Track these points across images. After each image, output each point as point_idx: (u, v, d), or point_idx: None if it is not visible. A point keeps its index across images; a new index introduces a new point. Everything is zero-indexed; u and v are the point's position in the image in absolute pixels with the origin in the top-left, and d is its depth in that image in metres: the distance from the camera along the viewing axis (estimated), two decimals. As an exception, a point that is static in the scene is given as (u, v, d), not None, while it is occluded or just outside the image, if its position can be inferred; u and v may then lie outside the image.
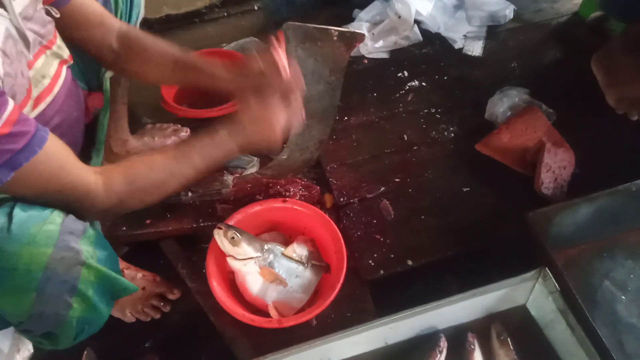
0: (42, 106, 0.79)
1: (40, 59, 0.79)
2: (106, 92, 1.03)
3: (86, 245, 0.76)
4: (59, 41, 0.84)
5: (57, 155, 0.72)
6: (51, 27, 0.81)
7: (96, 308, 0.77)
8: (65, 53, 0.85)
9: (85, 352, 1.06)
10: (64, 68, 0.85)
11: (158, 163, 0.83)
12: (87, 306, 0.76)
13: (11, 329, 1.07)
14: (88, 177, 0.76)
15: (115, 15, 1.01)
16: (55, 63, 0.82)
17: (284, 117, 0.86)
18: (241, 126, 0.86)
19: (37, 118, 0.76)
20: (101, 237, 0.84)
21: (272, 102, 0.85)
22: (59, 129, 0.82)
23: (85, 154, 0.97)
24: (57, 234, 0.72)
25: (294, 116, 0.88)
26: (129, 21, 1.05)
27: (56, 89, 0.82)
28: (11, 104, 0.64)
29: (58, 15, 0.81)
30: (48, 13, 0.80)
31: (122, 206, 0.81)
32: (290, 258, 1.02)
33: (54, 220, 0.74)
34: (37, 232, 0.71)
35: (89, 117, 0.99)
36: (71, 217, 0.77)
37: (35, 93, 0.78)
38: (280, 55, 0.87)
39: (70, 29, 0.87)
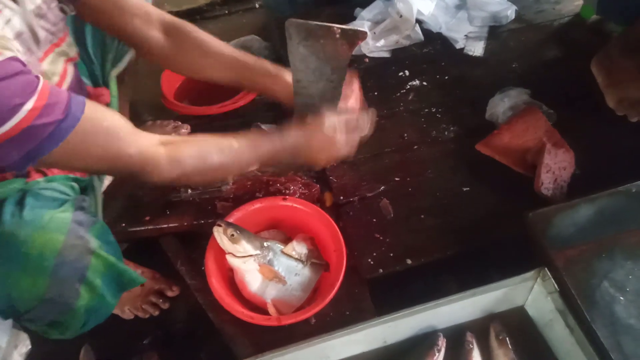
0: None
1: (49, 56, 0.78)
2: (113, 89, 1.02)
3: (94, 237, 0.77)
4: (68, 39, 0.84)
5: (103, 120, 0.70)
6: (63, 24, 0.81)
7: (103, 298, 0.78)
8: (73, 51, 0.85)
9: (83, 348, 1.06)
10: (70, 66, 0.85)
11: (229, 147, 0.83)
12: (95, 295, 0.76)
13: (8, 325, 1.07)
14: (146, 145, 0.74)
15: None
16: (61, 61, 0.82)
17: (343, 152, 0.92)
18: (309, 141, 0.90)
19: None
20: (108, 231, 0.84)
21: (340, 127, 0.89)
22: None
23: None
24: (69, 221, 0.73)
25: (349, 152, 0.93)
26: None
27: (64, 86, 0.82)
28: (41, 79, 0.63)
29: (73, 13, 0.81)
30: (62, 10, 0.80)
31: (184, 180, 0.81)
32: (290, 256, 1.02)
33: (66, 209, 0.75)
34: (50, 219, 0.72)
35: None
36: (81, 208, 0.77)
37: None
38: (358, 90, 0.94)
39: (105, 16, 0.86)
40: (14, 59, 0.61)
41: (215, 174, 0.84)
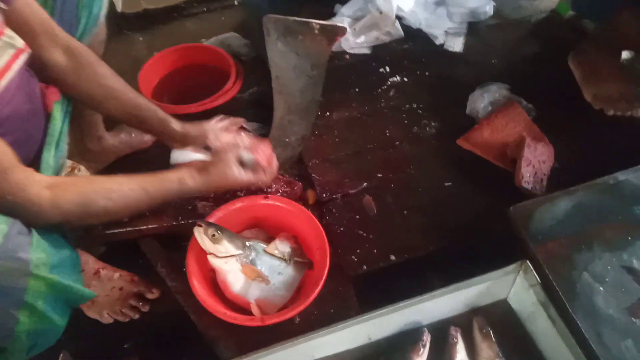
0: None
1: None
2: None
3: (37, 253, 0.73)
4: (8, 31, 0.79)
5: None
6: (1, 17, 0.76)
7: (49, 319, 0.74)
8: (19, 42, 0.80)
9: (61, 355, 1.02)
10: (21, 58, 0.80)
11: (117, 192, 0.83)
12: (38, 318, 0.73)
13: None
14: (30, 186, 0.73)
15: (77, 9, 0.96)
16: (7, 54, 0.77)
17: (243, 177, 0.97)
18: (204, 177, 0.94)
19: None
20: (55, 239, 0.81)
21: (233, 164, 0.96)
22: (7, 124, 0.78)
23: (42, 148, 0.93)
24: (0, 243, 0.68)
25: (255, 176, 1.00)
26: (89, 15, 0.99)
27: (4, 82, 0.77)
28: None
29: (6, 7, 0.77)
30: None
31: (67, 223, 0.81)
32: (273, 255, 1.01)
33: None
34: None
35: (48, 110, 0.94)
36: (19, 225, 0.73)
37: None
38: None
39: (15, 29, 0.81)
40: None
41: (100, 218, 0.85)
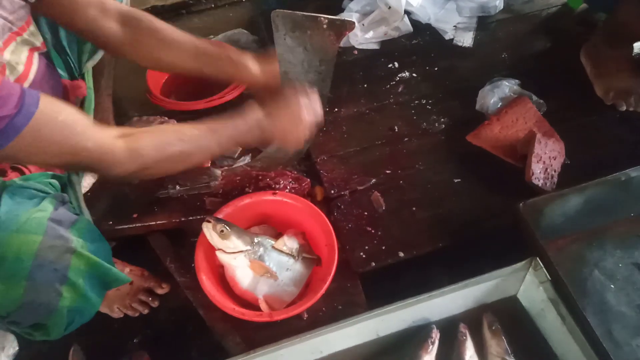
0: None
1: (11, 45, 0.75)
2: (89, 81, 1.00)
3: (76, 236, 0.75)
4: (32, 28, 0.81)
5: (59, 114, 0.68)
6: (23, 12, 0.78)
7: (87, 297, 0.76)
8: (38, 40, 0.82)
9: (72, 348, 1.04)
10: (35, 55, 0.82)
11: (188, 134, 0.81)
12: (78, 295, 0.75)
13: (-5, 327, 1.05)
14: (104, 138, 0.72)
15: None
16: (25, 50, 0.79)
17: (310, 123, 0.89)
18: (273, 118, 0.87)
19: None
20: (93, 228, 0.82)
21: (304, 106, 0.87)
22: None
23: None
24: (46, 221, 0.71)
25: (314, 125, 0.91)
26: None
27: (31, 76, 0.79)
28: (7, 69, 0.62)
29: (33, 1, 0.78)
30: None
31: (146, 172, 0.79)
32: (281, 251, 1.01)
33: (44, 208, 0.73)
34: (26, 219, 0.70)
35: None
36: (61, 206, 0.75)
37: (11, 79, 0.75)
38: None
39: (58, 9, 0.83)
40: None
41: (177, 163, 0.82)
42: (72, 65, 0.96)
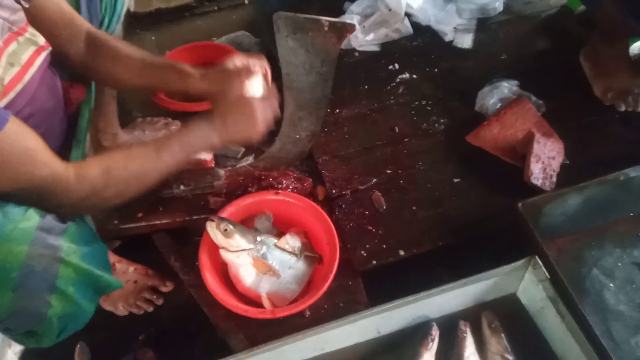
0: (11, 95, 0.77)
1: (12, 45, 0.76)
2: (90, 84, 1.01)
3: (67, 242, 0.75)
4: (31, 29, 0.81)
5: (22, 140, 0.69)
6: (22, 14, 0.79)
7: (78, 305, 0.76)
8: (41, 40, 0.83)
9: (78, 346, 1.05)
10: (42, 55, 0.82)
11: (136, 153, 0.83)
12: (68, 303, 0.75)
13: (1, 324, 1.06)
14: (56, 165, 0.74)
15: (100, 4, 0.98)
16: (30, 49, 0.79)
17: (263, 111, 0.89)
18: (222, 118, 0.87)
19: (8, 107, 0.75)
20: (87, 232, 0.82)
21: (251, 97, 0.87)
22: (32, 119, 0.80)
23: (67, 146, 0.95)
24: (32, 231, 0.71)
25: (271, 112, 0.91)
26: (114, 12, 1.02)
27: (27, 77, 0.79)
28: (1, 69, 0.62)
29: (27, 5, 0.79)
30: (17, 1, 0.78)
31: (98, 197, 0.79)
32: (283, 249, 1.02)
33: (30, 218, 0.72)
34: (12, 229, 0.69)
35: (71, 108, 0.97)
36: (50, 215, 0.75)
37: (5, 80, 0.75)
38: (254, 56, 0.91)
39: (38, 25, 0.84)
40: None
41: (130, 185, 0.82)
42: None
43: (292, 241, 1.04)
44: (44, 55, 0.83)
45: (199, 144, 0.87)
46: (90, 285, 0.79)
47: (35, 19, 0.82)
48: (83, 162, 0.79)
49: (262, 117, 0.89)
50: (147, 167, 0.83)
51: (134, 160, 0.82)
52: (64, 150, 0.92)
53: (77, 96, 0.97)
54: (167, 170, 0.85)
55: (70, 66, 0.94)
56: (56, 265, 0.72)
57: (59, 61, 0.93)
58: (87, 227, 0.85)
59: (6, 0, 0.75)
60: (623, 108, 1.27)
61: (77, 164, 0.77)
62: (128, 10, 1.72)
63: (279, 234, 1.08)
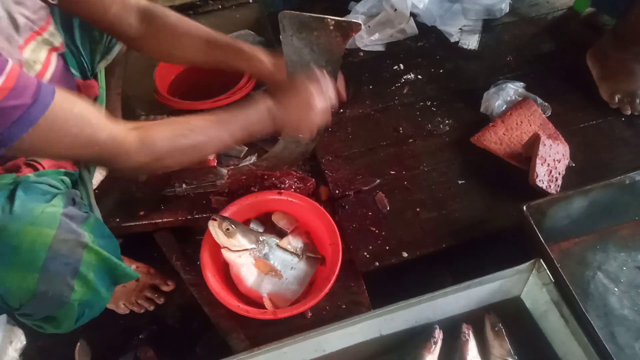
0: None
1: (31, 44, 0.77)
2: (101, 81, 1.02)
3: (87, 231, 0.76)
4: (51, 28, 0.83)
5: (73, 106, 0.69)
6: (44, 13, 0.80)
7: (97, 291, 0.78)
8: (57, 40, 0.84)
9: (79, 343, 1.05)
10: (54, 55, 0.84)
11: (199, 125, 0.82)
12: (89, 289, 0.76)
13: (3, 320, 1.06)
14: (116, 130, 0.73)
15: None
16: (44, 50, 0.81)
17: (323, 109, 0.88)
18: (284, 107, 0.87)
19: None
20: (102, 225, 0.84)
21: (315, 92, 0.86)
22: None
23: None
24: (59, 215, 0.72)
25: (328, 112, 0.90)
26: None
27: (47, 75, 0.81)
28: (10, 61, 0.62)
29: (55, 2, 0.80)
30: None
31: (158, 164, 0.79)
32: (285, 249, 1.02)
33: (56, 203, 0.74)
34: (41, 213, 0.71)
35: None
36: (73, 202, 0.77)
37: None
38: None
39: (83, 5, 0.84)
40: None
41: (189, 155, 0.82)
42: (85, 65, 0.97)
43: (294, 242, 1.04)
44: (56, 55, 0.83)
45: (257, 126, 0.87)
46: (108, 273, 0.80)
47: (75, 1, 0.83)
48: (147, 128, 0.78)
49: (320, 116, 0.88)
50: (207, 140, 0.83)
51: (196, 133, 0.81)
52: None
53: (90, 93, 0.97)
54: (225, 145, 0.87)
55: (122, 40, 0.94)
56: (80, 250, 0.74)
57: (73, 60, 0.94)
58: (102, 222, 0.86)
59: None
60: (629, 111, 1.27)
61: (141, 129, 0.76)
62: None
63: (281, 234, 1.07)
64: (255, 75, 0.96)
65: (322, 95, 0.87)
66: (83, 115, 0.70)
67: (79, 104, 0.70)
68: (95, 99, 0.99)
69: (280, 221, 1.08)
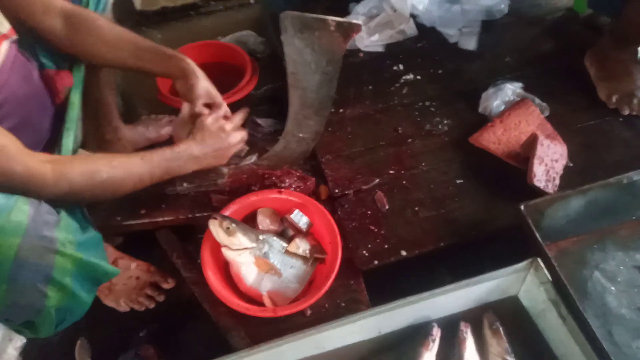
0: None
1: None
2: (77, 71, 1.00)
3: (63, 233, 0.75)
4: None
5: None
6: None
7: (76, 296, 0.77)
8: (4, 27, 0.82)
9: (79, 341, 1.06)
10: (5, 43, 0.81)
11: (119, 161, 0.85)
12: (65, 294, 0.75)
13: (4, 318, 1.06)
14: (33, 162, 0.74)
15: None
16: None
17: (236, 143, 1.01)
18: (201, 145, 0.95)
19: None
20: (79, 220, 0.83)
21: (226, 126, 0.98)
22: (4, 107, 0.80)
23: (56, 135, 0.95)
24: (25, 222, 0.70)
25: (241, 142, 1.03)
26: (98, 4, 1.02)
27: None
28: None
29: None
30: None
31: (76, 197, 0.80)
32: (295, 254, 1.02)
33: (20, 209, 0.71)
34: (4, 222, 0.69)
35: (59, 97, 0.97)
36: (45, 205, 0.75)
37: None
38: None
39: (17, 14, 0.84)
40: None
41: (105, 190, 0.84)
42: (57, 55, 0.96)
43: (302, 244, 1.04)
44: (7, 43, 0.81)
45: (175, 165, 0.94)
46: (87, 275, 0.79)
47: (15, 7, 0.83)
48: (65, 161, 0.79)
49: (233, 148, 1.01)
50: (128, 176, 0.86)
51: (116, 169, 0.84)
52: (53, 140, 0.92)
53: (64, 83, 0.96)
54: (144, 184, 0.90)
55: (51, 45, 0.93)
56: (51, 257, 0.72)
57: (44, 49, 0.93)
58: (78, 216, 0.85)
59: None
60: (627, 112, 1.27)
61: (58, 162, 0.78)
62: (134, 8, 1.74)
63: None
64: (172, 78, 1.02)
65: (233, 128, 0.99)
66: (1, 147, 0.70)
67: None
68: (70, 90, 0.98)
69: (265, 219, 1.08)
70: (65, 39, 0.92)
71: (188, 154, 0.94)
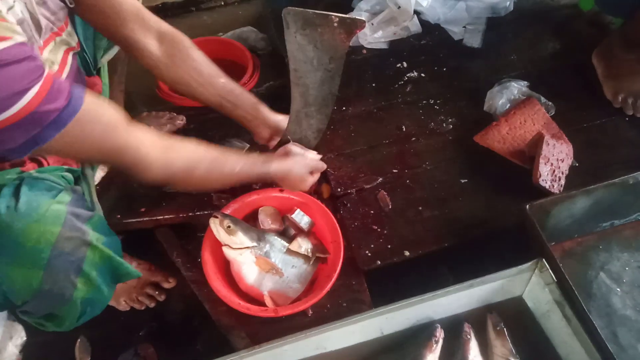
0: None
1: (50, 45, 0.78)
2: (104, 77, 1.02)
3: (92, 229, 0.77)
4: (69, 28, 0.83)
5: (102, 112, 0.71)
6: (63, 14, 0.80)
7: (100, 290, 0.78)
8: (73, 40, 0.85)
9: (79, 340, 1.05)
10: (70, 55, 0.84)
11: (220, 163, 0.88)
12: (91, 287, 0.76)
13: (3, 316, 1.06)
14: (141, 142, 0.76)
15: None
16: (62, 50, 0.81)
17: (313, 180, 1.05)
18: (283, 174, 0.99)
19: None
20: (105, 223, 0.84)
21: (310, 165, 1.03)
22: None
23: None
24: (64, 213, 0.73)
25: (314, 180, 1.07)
26: None
27: (64, 75, 0.81)
28: (46, 67, 0.64)
29: (72, 5, 0.80)
30: (62, 0, 0.79)
31: (171, 183, 0.85)
32: (298, 253, 1.01)
33: (61, 200, 0.75)
34: (46, 210, 0.72)
35: None
36: (77, 200, 0.78)
37: None
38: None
39: (98, 15, 0.86)
40: (24, 44, 0.61)
41: (198, 186, 0.89)
42: (88, 61, 0.97)
43: (304, 244, 1.03)
44: (71, 55, 0.84)
45: (257, 180, 1.03)
46: (110, 271, 0.80)
47: (101, 9, 0.84)
48: (172, 148, 0.81)
49: (308, 184, 1.05)
50: (218, 177, 0.89)
51: (215, 169, 0.87)
52: None
53: (98, 89, 0.98)
54: (222, 186, 0.99)
55: (138, 60, 0.95)
56: (84, 249, 0.74)
57: (78, 58, 0.93)
58: (104, 220, 0.87)
59: (50, 0, 0.76)
60: (631, 112, 1.26)
61: (168, 149, 0.80)
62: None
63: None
64: (258, 124, 1.06)
65: (314, 169, 1.04)
66: (111, 121, 0.72)
67: (108, 108, 0.72)
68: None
69: (266, 218, 1.08)
70: (161, 62, 0.94)
71: (268, 176, 0.97)
